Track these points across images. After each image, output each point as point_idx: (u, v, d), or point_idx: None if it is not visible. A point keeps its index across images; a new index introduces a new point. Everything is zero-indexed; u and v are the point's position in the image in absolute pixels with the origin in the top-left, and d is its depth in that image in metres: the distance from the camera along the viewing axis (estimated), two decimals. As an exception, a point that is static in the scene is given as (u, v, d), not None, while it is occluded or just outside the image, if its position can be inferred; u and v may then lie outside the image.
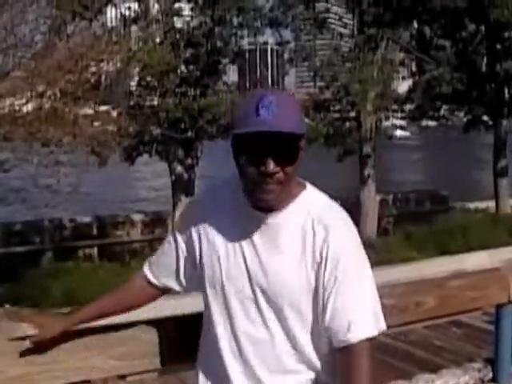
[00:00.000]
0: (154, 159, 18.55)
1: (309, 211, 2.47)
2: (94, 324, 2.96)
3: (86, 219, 20.11)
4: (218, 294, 2.59)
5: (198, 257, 2.65)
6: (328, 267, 2.43)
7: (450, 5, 17.21)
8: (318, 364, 2.55)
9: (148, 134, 16.74)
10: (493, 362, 4.53)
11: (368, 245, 17.17)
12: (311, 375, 2.56)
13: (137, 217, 20.47)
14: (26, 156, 10.18)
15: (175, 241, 2.74)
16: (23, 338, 2.86)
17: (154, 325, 3.12)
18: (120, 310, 2.88)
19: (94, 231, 19.78)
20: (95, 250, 19.26)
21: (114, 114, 13.96)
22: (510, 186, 20.66)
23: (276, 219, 2.45)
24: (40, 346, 2.85)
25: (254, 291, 2.52)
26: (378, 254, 16.05)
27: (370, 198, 19.03)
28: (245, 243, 2.50)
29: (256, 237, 2.48)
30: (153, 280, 2.80)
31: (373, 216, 19.11)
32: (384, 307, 3.69)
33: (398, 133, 21.38)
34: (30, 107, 10.01)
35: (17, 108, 9.76)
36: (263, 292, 2.50)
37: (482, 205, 22.60)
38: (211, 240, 2.58)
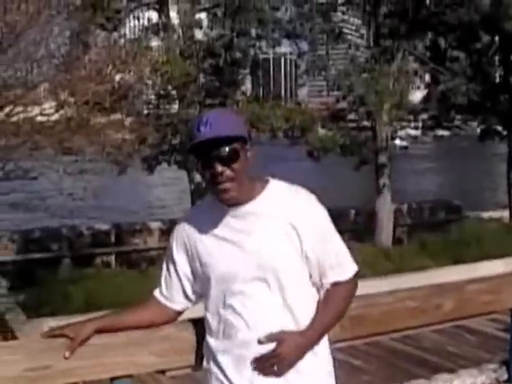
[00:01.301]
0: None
1: (277, 196, 2.95)
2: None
3: (104, 227, 20.24)
4: (219, 288, 2.99)
5: (192, 266, 3.09)
6: (308, 232, 2.92)
7: (464, 17, 17.34)
8: (301, 317, 2.97)
9: (167, 144, 16.92)
10: (508, 364, 4.67)
11: (383, 254, 17.34)
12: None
13: (154, 225, 20.57)
14: (51, 164, 10.42)
15: (173, 263, 3.14)
16: (64, 335, 3.07)
17: (193, 323, 3.30)
18: (138, 327, 3.22)
19: (112, 239, 19.91)
20: (113, 258, 19.39)
21: (136, 123, 14.16)
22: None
23: (251, 208, 2.92)
24: (74, 346, 3.06)
25: (251, 274, 2.92)
26: (393, 262, 16.22)
27: (386, 208, 19.12)
28: (231, 235, 2.94)
29: (237, 228, 2.93)
30: (169, 305, 3.18)
31: (388, 225, 19.20)
32: (407, 309, 3.96)
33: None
34: (56, 117, 10.27)
35: (43, 118, 10.02)
36: (260, 271, 2.90)
37: (495, 214, 22.66)
38: (200, 246, 3.03)
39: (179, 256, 3.11)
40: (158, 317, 3.21)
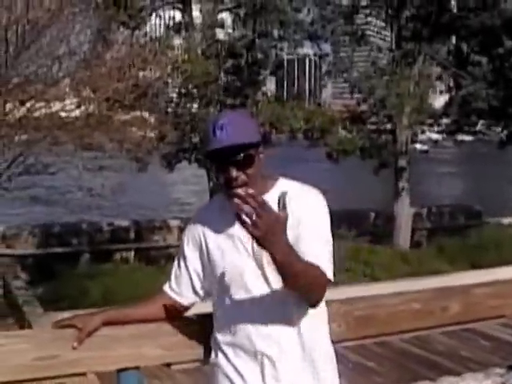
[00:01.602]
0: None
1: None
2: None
3: (124, 223, 20.35)
4: (226, 283, 3.02)
5: (202, 263, 3.14)
6: (306, 226, 2.93)
7: (487, 21, 17.29)
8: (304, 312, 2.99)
9: (188, 142, 16.99)
10: None
11: (400, 257, 17.34)
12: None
13: (174, 222, 20.63)
14: (70, 159, 10.53)
15: (184, 258, 3.20)
16: (73, 326, 3.14)
17: (201, 318, 3.33)
18: (146, 320, 3.27)
19: (132, 235, 20.03)
20: (132, 254, 19.48)
21: (156, 121, 14.26)
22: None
23: None
24: (82, 337, 3.11)
25: (256, 271, 2.96)
26: (410, 265, 16.22)
27: (404, 211, 19.10)
28: (240, 233, 2.90)
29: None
30: (178, 299, 3.22)
31: (406, 228, 19.19)
32: (412, 311, 3.98)
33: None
34: (77, 113, 10.37)
35: (65, 114, 10.12)
36: (267, 267, 2.91)
37: (515, 220, 22.64)
38: (210, 243, 3.08)
39: (190, 252, 3.17)
40: (166, 311, 3.26)
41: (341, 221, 19.33)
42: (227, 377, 3.08)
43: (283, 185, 3.03)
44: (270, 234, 2.57)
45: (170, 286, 3.24)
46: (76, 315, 3.27)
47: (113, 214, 22.67)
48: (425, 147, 20.13)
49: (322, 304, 3.07)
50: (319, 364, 3.07)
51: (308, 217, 2.95)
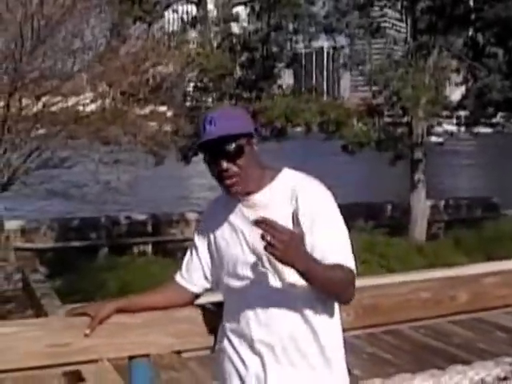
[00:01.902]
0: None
1: (288, 184, 3.02)
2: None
3: (142, 217, 20.43)
4: (232, 274, 3.10)
5: (214, 255, 3.21)
6: (311, 218, 2.94)
7: (502, 13, 17.23)
8: (304, 302, 3.02)
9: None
10: None
11: (416, 249, 17.35)
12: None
13: (191, 215, 20.68)
14: (87, 153, 10.61)
15: (196, 248, 3.29)
16: (85, 314, 3.21)
17: (212, 306, 3.38)
18: (159, 307, 3.34)
19: (149, 229, 20.11)
20: (149, 247, 19.57)
21: (172, 115, 14.33)
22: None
23: (258, 198, 3.02)
24: (94, 324, 3.18)
25: (254, 261, 3.02)
26: (427, 258, 16.22)
27: (420, 203, 19.08)
28: (243, 224, 3.04)
29: (248, 217, 2.99)
30: (189, 287, 3.32)
31: (422, 221, 19.16)
32: (420, 300, 4.03)
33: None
34: (92, 107, 10.46)
35: (80, 108, 10.21)
36: (270, 258, 2.85)
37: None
38: (217, 234, 3.16)
39: (200, 243, 3.26)
40: (176, 298, 3.34)
41: (358, 213, 19.40)
42: (232, 363, 3.16)
43: (286, 176, 3.09)
44: (288, 251, 2.63)
45: (181, 274, 3.33)
46: (89, 304, 3.36)
47: (130, 207, 22.78)
48: (440, 139, 19.91)
49: None
50: (329, 352, 3.09)
51: (321, 213, 2.99)
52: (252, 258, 3.04)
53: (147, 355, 3.37)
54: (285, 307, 3.03)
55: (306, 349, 3.05)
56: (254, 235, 2.93)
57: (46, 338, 3.17)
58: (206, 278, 3.28)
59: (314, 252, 2.89)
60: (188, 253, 3.33)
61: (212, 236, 3.20)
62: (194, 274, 3.29)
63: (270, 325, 3.04)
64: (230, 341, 3.16)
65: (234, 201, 3.07)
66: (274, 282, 3.02)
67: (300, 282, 2.96)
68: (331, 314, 3.12)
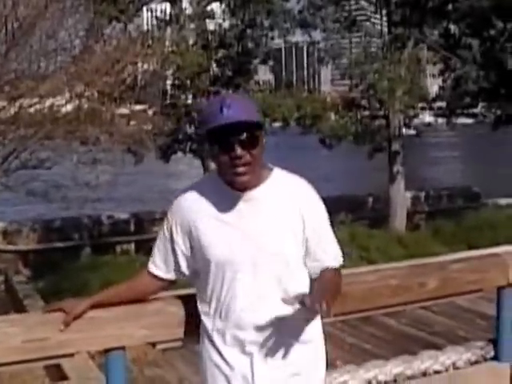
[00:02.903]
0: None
1: (282, 183, 3.06)
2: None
3: (124, 216, 20.37)
4: (219, 266, 3.06)
5: (191, 246, 3.15)
6: (311, 219, 3.07)
7: (475, 4, 17.33)
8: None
9: (182, 133, 17.08)
10: (495, 342, 4.76)
11: (396, 240, 17.46)
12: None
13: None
14: (65, 154, 10.63)
15: (170, 237, 3.21)
16: (61, 310, 3.28)
17: (182, 298, 3.48)
18: (132, 298, 3.39)
19: (131, 227, 20.07)
20: (132, 246, 19.51)
21: (150, 113, 14.36)
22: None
23: (257, 194, 3.00)
24: (69, 320, 3.25)
25: (250, 258, 3.01)
26: (406, 248, 16.34)
27: (399, 195, 19.18)
28: (237, 219, 3.02)
29: (243, 212, 3.01)
30: (162, 275, 3.27)
31: (402, 212, 19.26)
32: (389, 287, 4.12)
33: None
34: (69, 107, 10.46)
35: (57, 108, 10.21)
36: (260, 255, 2.99)
37: (512, 201, 22.67)
38: (201, 227, 3.08)
39: (177, 235, 3.16)
40: (150, 287, 3.34)
41: (340, 206, 19.45)
42: (215, 364, 3.13)
43: (279, 176, 3.10)
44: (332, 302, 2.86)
45: (154, 262, 3.27)
46: (64, 300, 3.39)
47: (110, 206, 22.71)
48: (412, 131, 19.94)
49: None
50: (314, 349, 3.17)
51: (313, 215, 3.09)
52: (248, 256, 3.01)
53: (122, 347, 3.44)
54: (277, 306, 3.00)
55: (294, 349, 3.08)
56: (252, 230, 3.01)
57: (22, 333, 3.24)
58: (180, 267, 3.21)
59: (309, 252, 3.11)
60: (160, 239, 3.26)
61: (194, 228, 3.10)
62: (167, 262, 3.23)
63: (257, 326, 3.03)
64: (212, 341, 3.14)
65: (224, 193, 3.01)
66: (272, 281, 3.04)
67: (298, 282, 3.07)
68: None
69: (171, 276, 3.27)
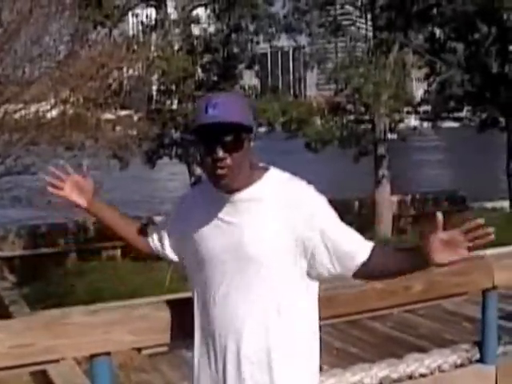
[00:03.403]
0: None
1: (274, 184, 2.95)
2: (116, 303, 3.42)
3: (110, 221, 20.31)
4: (203, 271, 3.03)
5: (188, 248, 3.12)
6: (312, 224, 2.91)
7: (459, 8, 17.42)
8: (283, 302, 2.96)
9: (168, 138, 17.09)
10: (480, 344, 4.78)
11: (383, 243, 17.50)
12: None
13: (158, 219, 20.57)
14: (50, 159, 10.59)
15: (167, 224, 3.28)
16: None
17: (169, 303, 3.46)
18: (128, 240, 3.48)
19: (118, 233, 19.99)
20: (118, 252, 19.46)
21: (135, 118, 14.36)
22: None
23: (244, 196, 2.92)
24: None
25: (236, 261, 2.94)
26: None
27: (385, 198, 19.23)
28: (223, 221, 2.96)
29: (229, 213, 2.95)
30: (151, 244, 3.33)
31: (387, 215, 19.31)
32: (375, 291, 4.12)
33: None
34: (54, 113, 10.44)
35: (42, 114, 10.19)
36: (244, 260, 2.93)
37: (498, 204, 22.76)
38: (193, 227, 3.05)
39: (174, 228, 3.21)
40: (146, 247, 3.38)
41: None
42: (198, 363, 3.10)
43: (273, 177, 2.99)
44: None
45: (151, 233, 3.35)
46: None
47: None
48: (393, 136, 19.95)
49: (313, 290, 3.09)
50: (297, 352, 3.01)
51: (324, 218, 2.94)
52: (230, 256, 2.96)
53: (108, 353, 3.42)
54: (263, 310, 2.96)
55: (282, 358, 2.98)
56: (236, 233, 2.94)
57: (8, 339, 3.23)
58: (165, 250, 3.28)
59: (329, 256, 2.97)
60: (162, 223, 3.35)
61: (188, 227, 3.08)
62: (160, 239, 3.28)
63: (236, 326, 2.96)
64: (197, 339, 3.12)
65: (216, 194, 2.95)
66: (253, 281, 2.95)
67: (285, 286, 2.97)
68: (305, 316, 3.07)
69: (157, 248, 3.33)
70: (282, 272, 2.94)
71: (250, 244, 2.91)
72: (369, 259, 2.97)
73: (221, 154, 2.78)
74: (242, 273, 2.94)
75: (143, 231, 3.41)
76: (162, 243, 3.29)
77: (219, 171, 2.81)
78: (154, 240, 3.33)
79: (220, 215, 2.97)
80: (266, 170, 2.99)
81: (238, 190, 2.90)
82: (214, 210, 2.98)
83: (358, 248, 2.99)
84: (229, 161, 2.79)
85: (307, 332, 3.06)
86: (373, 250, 2.98)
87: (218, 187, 2.89)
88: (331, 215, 2.99)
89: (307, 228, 2.90)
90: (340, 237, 2.96)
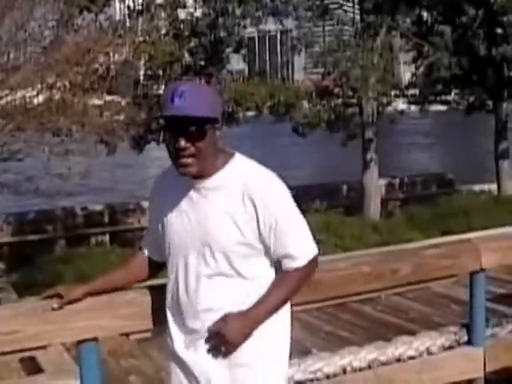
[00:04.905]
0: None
1: (237, 172, 3.00)
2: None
3: (98, 207, 20.29)
4: (173, 253, 3.11)
5: (161, 232, 3.18)
6: (266, 214, 2.97)
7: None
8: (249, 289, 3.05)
9: (155, 123, 17.03)
10: (468, 327, 4.80)
11: (371, 227, 17.52)
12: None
13: (147, 204, 20.55)
14: (37, 146, 10.56)
15: (150, 219, 3.35)
16: (51, 297, 3.29)
17: (155, 289, 3.46)
18: (128, 282, 3.44)
19: (106, 219, 20.00)
20: (107, 237, 19.47)
21: (122, 103, 14.30)
22: (511, 167, 20.79)
23: (209, 184, 2.98)
24: (63, 301, 3.26)
25: (200, 246, 3.01)
26: (381, 235, 16.40)
27: (373, 182, 19.21)
28: (188, 207, 3.03)
29: (194, 200, 3.02)
30: (155, 257, 3.32)
31: (375, 199, 19.30)
32: (362, 274, 4.14)
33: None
34: (40, 99, 10.37)
35: (28, 100, 10.13)
36: (206, 246, 3.00)
37: (486, 187, 22.83)
38: (165, 210, 3.12)
39: (152, 217, 3.31)
40: (145, 269, 3.38)
41: (314, 194, 19.53)
42: (171, 350, 3.20)
43: (238, 165, 3.03)
44: (236, 337, 2.96)
45: (144, 242, 3.39)
46: (61, 286, 3.43)
47: (83, 198, 22.62)
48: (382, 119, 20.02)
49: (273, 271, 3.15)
50: (256, 371, 3.07)
51: (267, 210, 2.97)
52: (195, 245, 3.02)
53: (95, 339, 3.44)
54: (224, 296, 3.03)
55: (250, 345, 3.05)
56: (199, 219, 3.00)
57: (-5, 326, 3.21)
58: (160, 249, 3.25)
59: (270, 250, 3.05)
60: (149, 223, 3.38)
61: (160, 212, 3.15)
62: (154, 243, 3.28)
63: (200, 312, 3.05)
64: (169, 331, 3.20)
65: (184, 181, 3.01)
66: (219, 272, 3.02)
67: (250, 273, 3.04)
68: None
69: (157, 258, 3.32)
70: (242, 257, 3.01)
71: (211, 231, 2.97)
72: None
73: (183, 143, 2.85)
74: (203, 258, 3.01)
75: (135, 260, 3.44)
76: (156, 242, 3.29)
77: (182, 160, 2.88)
78: (148, 245, 3.37)
79: (185, 201, 3.03)
80: (231, 156, 3.04)
81: (203, 177, 2.96)
82: (180, 196, 3.05)
83: (297, 254, 3.11)
84: (192, 150, 2.86)
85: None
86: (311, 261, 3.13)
87: (181, 174, 2.95)
88: (287, 208, 3.07)
89: (265, 216, 2.97)
90: (288, 234, 3.06)
